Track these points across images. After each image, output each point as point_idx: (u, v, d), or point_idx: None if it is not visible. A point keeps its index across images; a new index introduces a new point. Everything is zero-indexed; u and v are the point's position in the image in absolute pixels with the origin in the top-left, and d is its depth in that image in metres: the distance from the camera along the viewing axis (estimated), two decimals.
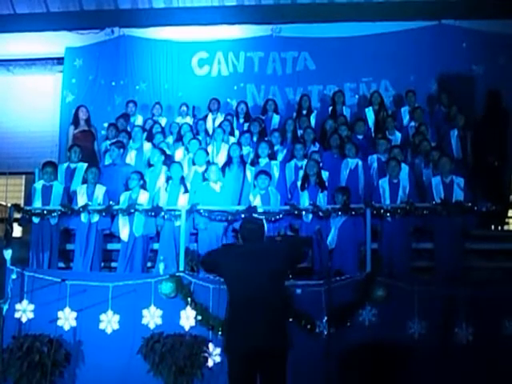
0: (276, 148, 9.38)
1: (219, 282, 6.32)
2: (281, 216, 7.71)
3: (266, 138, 9.58)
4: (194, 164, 8.88)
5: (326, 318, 6.53)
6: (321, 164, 8.44)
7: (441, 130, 9.81)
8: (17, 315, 7.07)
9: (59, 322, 6.98)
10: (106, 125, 10.59)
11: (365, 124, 9.86)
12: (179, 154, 9.48)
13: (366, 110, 10.35)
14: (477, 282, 6.96)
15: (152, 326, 6.92)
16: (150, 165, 9.11)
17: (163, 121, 10.66)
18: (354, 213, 7.50)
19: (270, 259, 4.66)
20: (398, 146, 9.01)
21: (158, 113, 10.82)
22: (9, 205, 8.29)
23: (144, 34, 11.97)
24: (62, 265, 8.14)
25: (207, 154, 8.97)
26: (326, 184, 8.17)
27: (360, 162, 8.69)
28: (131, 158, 9.49)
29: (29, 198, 8.25)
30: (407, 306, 6.66)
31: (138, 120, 10.69)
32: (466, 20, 11.05)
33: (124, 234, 7.88)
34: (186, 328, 6.84)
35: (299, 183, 8.23)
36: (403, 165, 8.23)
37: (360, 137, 9.61)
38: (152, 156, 9.04)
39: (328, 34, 11.50)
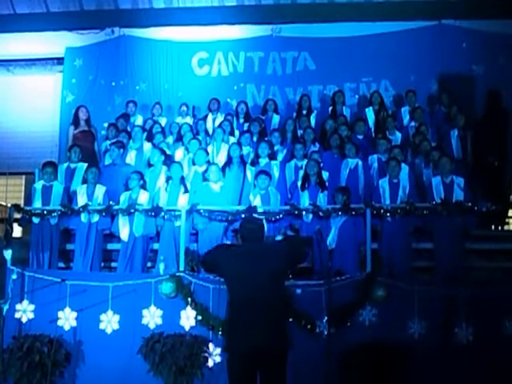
0: (276, 148, 9.38)
1: (219, 282, 6.32)
2: (281, 216, 7.70)
3: (266, 138, 9.58)
4: (194, 164, 8.88)
5: (326, 318, 6.53)
6: (321, 164, 8.44)
7: (441, 130, 9.81)
8: (17, 315, 7.07)
9: (59, 322, 6.98)
10: (106, 125, 10.59)
11: (365, 124, 9.86)
12: (179, 154, 9.48)
13: (366, 109, 10.35)
14: (477, 282, 6.95)
15: (152, 325, 6.92)
16: (149, 165, 9.11)
17: (163, 121, 10.66)
18: (354, 213, 7.50)
19: (270, 259, 4.66)
20: (398, 145, 9.01)
21: (158, 113, 10.82)
22: (9, 205, 8.29)
23: (144, 34, 11.97)
24: (62, 265, 8.14)
25: (207, 154, 8.97)
26: (327, 184, 8.17)
27: (360, 162, 8.69)
28: (131, 158, 9.49)
29: (29, 198, 8.25)
30: (407, 306, 6.66)
31: (138, 120, 10.69)
32: (466, 20, 11.05)
33: (124, 234, 7.88)
34: (186, 328, 6.84)
35: (299, 183, 8.23)
36: (403, 165, 8.23)
37: (360, 137, 9.61)
38: (152, 156, 9.04)
39: (328, 34, 11.50)
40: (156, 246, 8.07)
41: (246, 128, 10.13)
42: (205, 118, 10.50)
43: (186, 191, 8.20)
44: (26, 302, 7.10)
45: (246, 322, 4.53)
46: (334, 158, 8.99)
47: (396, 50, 11.22)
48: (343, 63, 11.41)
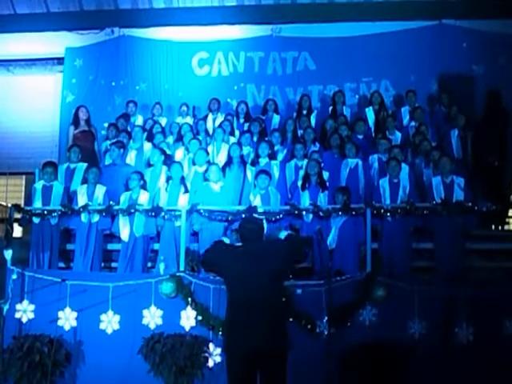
0: (276, 148, 9.38)
1: (219, 282, 6.32)
2: (281, 216, 7.70)
3: (266, 138, 9.58)
4: (194, 164, 8.88)
5: (326, 318, 6.53)
6: (322, 164, 8.44)
7: (441, 130, 9.81)
8: (17, 315, 7.07)
9: (59, 322, 6.98)
10: (106, 125, 10.59)
11: (365, 124, 9.86)
12: (179, 154, 9.48)
13: (367, 109, 10.35)
14: (477, 281, 6.95)
15: (152, 326, 6.92)
16: (149, 165, 9.11)
17: (163, 121, 10.66)
18: (354, 213, 7.50)
19: (269, 259, 4.66)
20: (398, 145, 9.00)
21: (159, 113, 10.82)
22: (9, 205, 8.30)
23: (144, 34, 11.97)
24: (62, 265, 8.14)
25: (207, 154, 8.97)
26: (327, 184, 8.17)
27: (360, 162, 8.69)
28: (131, 158, 9.49)
29: (29, 198, 8.25)
30: (407, 306, 6.66)
31: (139, 120, 10.69)
32: (467, 20, 11.04)
33: (124, 234, 7.89)
34: (187, 328, 6.84)
35: (300, 183, 8.23)
36: (403, 165, 8.23)
37: (360, 137, 9.61)
38: (152, 156, 9.04)
39: (328, 34, 11.50)
40: (156, 246, 8.07)
41: (246, 128, 10.12)
42: (205, 118, 10.50)
43: (186, 191, 8.20)
44: (26, 301, 7.10)
45: (246, 322, 4.53)
46: (334, 158, 8.99)
47: (396, 49, 11.21)
48: (343, 63, 11.41)
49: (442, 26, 11.17)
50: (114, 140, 9.49)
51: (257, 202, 7.89)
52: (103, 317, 6.98)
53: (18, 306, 7.09)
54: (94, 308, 6.98)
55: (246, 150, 9.26)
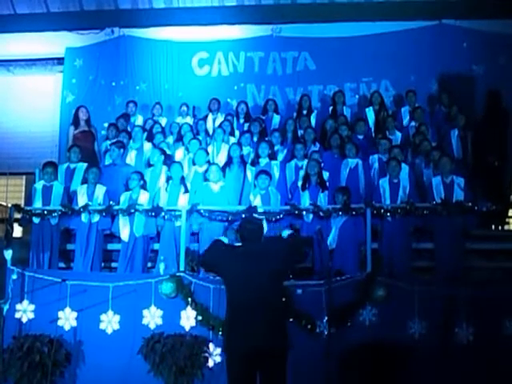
0: (276, 148, 9.38)
1: (219, 282, 6.31)
2: (281, 216, 7.70)
3: (266, 138, 9.58)
4: (194, 164, 8.88)
5: (326, 318, 6.53)
6: (322, 164, 8.44)
7: (441, 130, 9.81)
8: (17, 315, 7.07)
9: (60, 322, 6.98)
10: (106, 125, 10.59)
11: (365, 124, 9.86)
12: (179, 154, 9.48)
13: (367, 109, 10.35)
14: (477, 281, 6.96)
15: (152, 326, 6.92)
16: (150, 165, 9.11)
17: (163, 121, 10.66)
18: (354, 213, 7.50)
19: (269, 259, 4.66)
20: (399, 145, 9.01)
21: (159, 113, 10.82)
22: (9, 205, 8.30)
23: (144, 34, 11.97)
24: (62, 265, 8.14)
25: (207, 154, 8.98)
26: (327, 184, 8.17)
27: (360, 162, 8.69)
28: (131, 158, 9.49)
29: (29, 199, 8.25)
30: (407, 306, 6.66)
31: (139, 120, 10.70)
32: (467, 20, 11.04)
33: (124, 234, 7.89)
34: (187, 328, 6.84)
35: (300, 183, 8.23)
36: (403, 165, 8.23)
37: (360, 137, 9.61)
38: (152, 156, 9.05)
39: (328, 34, 11.50)
40: (156, 246, 8.07)
41: (246, 128, 10.12)
42: (205, 118, 10.50)
43: (187, 191, 8.20)
44: (26, 302, 7.10)
45: (246, 322, 4.53)
46: (335, 158, 8.99)
47: (396, 49, 11.21)
48: (343, 63, 11.41)
49: (442, 25, 11.17)
50: (114, 140, 9.49)
51: (257, 202, 7.89)
52: (103, 317, 6.98)
53: (18, 306, 7.09)
54: (94, 308, 6.97)
55: (246, 150, 9.27)
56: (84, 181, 8.43)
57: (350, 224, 7.54)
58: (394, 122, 9.80)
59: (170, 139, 10.10)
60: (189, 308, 6.87)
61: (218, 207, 7.78)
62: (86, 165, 8.71)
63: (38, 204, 8.02)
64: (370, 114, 10.25)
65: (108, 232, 8.15)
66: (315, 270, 7.30)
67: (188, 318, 6.86)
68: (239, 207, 7.89)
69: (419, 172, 8.72)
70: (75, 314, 7.00)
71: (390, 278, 6.85)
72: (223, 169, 8.57)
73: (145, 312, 6.95)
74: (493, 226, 8.81)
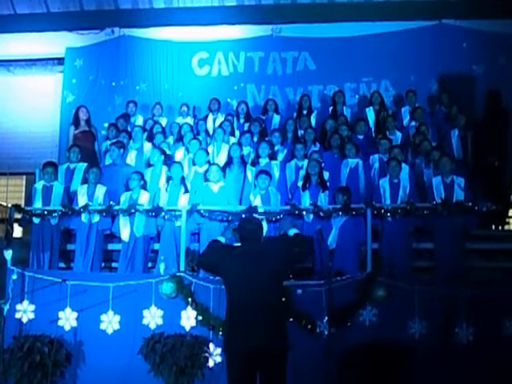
0: (276, 148, 9.38)
1: (220, 282, 6.31)
2: (281, 216, 7.70)
3: (266, 138, 9.58)
4: (194, 164, 8.88)
5: (326, 318, 6.53)
6: (322, 164, 8.44)
7: (441, 130, 9.81)
8: (17, 315, 7.08)
9: (60, 323, 6.99)
10: (106, 125, 10.59)
11: (365, 124, 9.86)
12: (179, 154, 9.48)
13: (367, 109, 10.35)
14: (477, 281, 6.95)
15: (153, 326, 6.93)
16: (150, 165, 9.11)
17: (164, 121, 10.66)
18: (354, 213, 7.50)
19: (269, 259, 4.65)
20: (399, 145, 9.01)
21: (159, 113, 10.82)
22: (9, 205, 8.30)
23: (144, 34, 11.97)
24: (62, 265, 8.14)
25: (207, 154, 8.98)
26: (328, 184, 8.17)
27: (360, 162, 8.69)
28: (131, 158, 9.50)
29: (29, 199, 8.26)
30: (408, 306, 6.66)
31: (139, 120, 10.70)
32: (467, 20, 11.04)
33: (125, 235, 7.89)
34: (187, 328, 6.85)
35: (300, 183, 8.23)
36: (404, 165, 8.24)
37: (360, 137, 9.61)
38: (152, 156, 9.05)
39: (328, 34, 11.50)
40: (156, 246, 8.07)
41: (246, 128, 10.13)
42: (205, 118, 10.50)
43: (187, 191, 8.20)
44: (26, 302, 7.11)
45: (246, 322, 4.53)
46: (335, 158, 9.00)
47: (396, 49, 11.21)
48: (343, 63, 11.41)
49: (442, 25, 11.17)
50: (114, 140, 9.49)
51: (257, 202, 7.89)
52: (103, 317, 6.98)
53: (19, 306, 7.10)
54: (95, 308, 6.98)
55: (247, 150, 9.27)
56: (84, 181, 8.44)
57: (351, 224, 7.54)
58: (394, 121, 9.80)
59: (170, 139, 10.10)
60: (189, 308, 6.88)
61: (218, 207, 7.78)
62: (85, 165, 8.72)
63: (38, 204, 8.02)
64: (370, 114, 10.25)
65: (108, 232, 8.15)
66: (315, 270, 7.30)
67: (188, 318, 6.86)
68: (239, 207, 7.89)
69: (419, 172, 8.72)
70: (75, 314, 7.00)
71: (390, 278, 6.85)
72: (223, 169, 8.57)
73: (145, 312, 6.96)
74: (493, 226, 8.80)
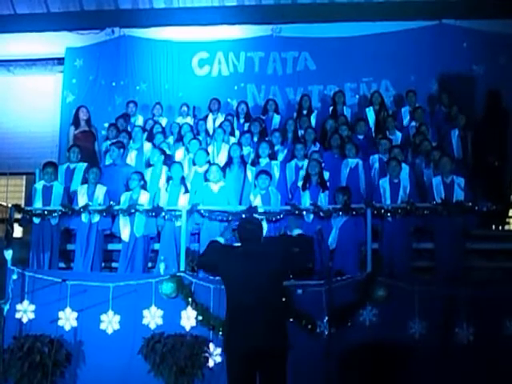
0: (276, 148, 9.38)
1: (220, 282, 6.31)
2: (281, 216, 7.70)
3: (266, 138, 9.58)
4: (194, 164, 8.88)
5: (326, 318, 6.53)
6: (323, 164, 8.44)
7: (441, 130, 9.81)
8: (17, 315, 7.08)
9: (60, 323, 6.99)
10: (106, 125, 10.59)
11: (366, 124, 9.86)
12: (179, 154, 9.48)
13: (367, 109, 10.35)
14: (477, 281, 6.96)
15: (153, 326, 6.93)
16: (150, 165, 9.11)
17: (164, 121, 10.66)
18: (354, 213, 7.50)
19: (269, 259, 4.65)
20: (399, 145, 9.01)
21: (159, 113, 10.82)
22: (9, 205, 8.30)
23: (144, 34, 11.97)
24: (62, 265, 8.14)
25: (207, 154, 8.97)
26: (328, 184, 8.17)
27: (360, 162, 8.69)
28: (131, 158, 9.50)
29: (29, 199, 8.25)
30: (408, 306, 6.66)
31: (139, 120, 10.70)
32: (467, 20, 11.04)
33: (125, 235, 7.89)
34: (187, 328, 6.85)
35: (301, 183, 8.23)
36: (404, 165, 8.23)
37: (361, 137, 9.61)
38: (152, 156, 9.05)
39: (328, 34, 11.51)
40: (157, 246, 8.07)
41: (246, 128, 10.12)
42: (205, 118, 10.50)
43: (187, 191, 8.20)
44: (26, 302, 7.11)
45: (246, 322, 4.53)
46: (335, 158, 8.99)
47: (396, 49, 11.21)
48: (343, 63, 11.41)
49: (442, 25, 11.17)
50: (114, 140, 9.49)
51: (257, 202, 7.89)
52: (103, 317, 6.99)
53: (19, 306, 7.10)
54: (95, 308, 6.98)
55: (247, 150, 9.27)
56: (84, 181, 8.44)
57: (351, 224, 7.54)
58: (395, 121, 9.80)
59: (171, 139, 10.10)
60: (189, 308, 6.88)
61: (218, 207, 7.78)
62: (85, 165, 8.72)
63: (38, 204, 8.02)
64: (371, 114, 10.25)
65: (108, 232, 8.15)
66: (316, 270, 7.29)
67: (188, 318, 6.87)
68: (239, 207, 7.89)
69: (419, 172, 8.72)
70: (75, 314, 7.00)
71: (391, 278, 6.85)
72: (223, 169, 8.57)
73: (145, 312, 6.96)
74: (493, 226, 8.80)
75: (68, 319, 7.00)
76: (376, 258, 7.24)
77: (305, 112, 10.50)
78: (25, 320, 7.08)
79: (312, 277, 7.16)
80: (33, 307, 7.10)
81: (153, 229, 7.91)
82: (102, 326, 6.99)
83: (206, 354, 6.67)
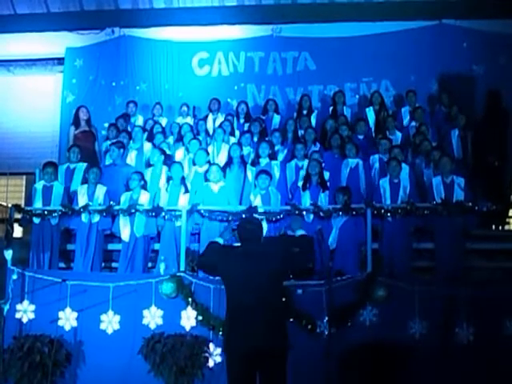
0: (276, 148, 9.39)
1: (220, 282, 6.31)
2: (281, 216, 7.70)
3: (266, 138, 9.58)
4: (194, 164, 8.88)
5: (326, 318, 6.53)
6: (323, 164, 8.44)
7: (441, 130, 9.81)
8: (17, 315, 7.08)
9: (60, 323, 6.99)
10: (106, 125, 10.58)
11: (366, 124, 9.86)
12: (179, 154, 9.48)
13: (367, 109, 10.35)
14: (477, 281, 6.96)
15: (153, 326, 6.93)
16: (150, 165, 9.11)
17: (164, 121, 10.66)
18: (354, 213, 7.50)
19: (269, 259, 4.65)
20: (399, 146, 9.01)
21: (159, 113, 10.82)
22: (9, 205, 8.30)
23: (144, 34, 11.97)
24: (62, 265, 8.15)
25: (207, 154, 8.97)
26: (328, 184, 8.17)
27: (360, 162, 8.69)
28: (131, 158, 9.50)
29: (29, 199, 8.26)
30: (408, 306, 6.66)
31: (139, 120, 10.70)
32: (467, 20, 11.04)
33: (125, 235, 7.89)
34: (187, 328, 6.85)
35: (301, 183, 8.23)
36: (404, 165, 8.24)
37: (361, 137, 9.61)
38: (152, 156, 9.05)
39: (328, 34, 11.50)
40: (157, 246, 8.07)
41: (246, 128, 10.12)
42: (205, 118, 10.50)
43: (187, 191, 8.20)
44: (26, 302, 7.11)
45: (246, 322, 4.53)
46: (335, 158, 9.00)
47: (396, 49, 11.21)
48: (343, 63, 11.41)
49: (442, 25, 11.17)
50: (115, 140, 9.49)
51: (257, 202, 7.89)
52: (103, 317, 6.98)
53: (19, 306, 7.10)
54: (95, 308, 6.98)
55: (247, 150, 9.27)
56: (84, 181, 8.44)
57: (351, 224, 7.54)
58: (395, 121, 9.80)
59: (171, 139, 10.10)
60: (189, 308, 6.88)
61: (218, 207, 7.78)
62: (85, 165, 8.72)
63: (38, 204, 8.02)
64: (371, 114, 10.25)
65: (108, 232, 8.15)
66: (316, 270, 7.29)
67: (188, 318, 6.86)
68: (239, 207, 7.89)
69: (419, 172, 8.72)
70: (75, 314, 7.00)
71: (391, 278, 6.85)
72: (223, 169, 8.57)
73: (145, 312, 6.95)
74: (493, 226, 8.80)
75: (68, 319, 7.00)
76: (376, 258, 7.24)
77: (305, 112, 10.50)
78: (25, 320, 7.07)
79: (312, 277, 7.16)
80: (33, 307, 7.10)
81: (153, 229, 7.90)
82: (102, 326, 6.99)
83: (206, 354, 6.67)
